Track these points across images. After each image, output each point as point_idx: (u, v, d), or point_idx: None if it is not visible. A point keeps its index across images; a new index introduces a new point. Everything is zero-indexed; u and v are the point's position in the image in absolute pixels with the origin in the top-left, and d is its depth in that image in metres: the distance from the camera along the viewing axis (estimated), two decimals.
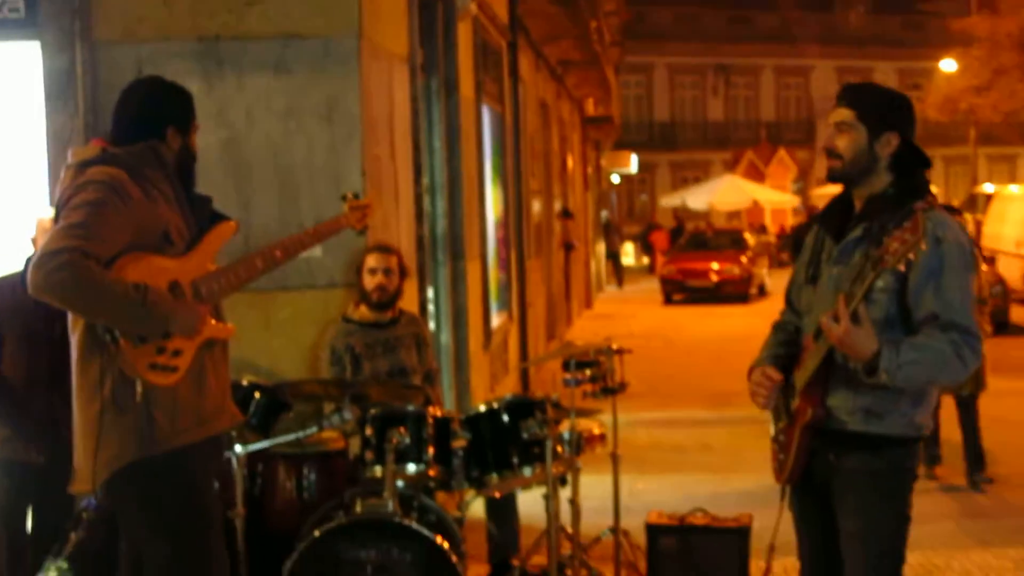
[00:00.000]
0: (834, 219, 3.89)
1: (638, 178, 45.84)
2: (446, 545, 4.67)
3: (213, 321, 3.78)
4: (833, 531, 3.85)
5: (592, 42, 16.58)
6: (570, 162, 20.42)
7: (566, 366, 5.52)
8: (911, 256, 3.38)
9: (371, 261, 5.78)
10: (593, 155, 27.55)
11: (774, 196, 38.56)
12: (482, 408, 5.08)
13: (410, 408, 5.01)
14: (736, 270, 24.16)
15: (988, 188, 29.70)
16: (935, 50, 45.50)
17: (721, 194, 37.10)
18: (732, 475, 8.73)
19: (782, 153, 41.52)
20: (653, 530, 5.56)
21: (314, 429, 4.88)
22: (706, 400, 12.03)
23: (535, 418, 4.98)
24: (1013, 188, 26.42)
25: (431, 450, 4.95)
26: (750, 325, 19.73)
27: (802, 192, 44.05)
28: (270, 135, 6.22)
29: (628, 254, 36.98)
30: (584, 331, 19.14)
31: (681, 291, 24.28)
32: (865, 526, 3.71)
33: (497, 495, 5.37)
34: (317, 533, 4.70)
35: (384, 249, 5.86)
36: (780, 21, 49.98)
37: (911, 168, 3.79)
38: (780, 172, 41.18)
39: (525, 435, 4.98)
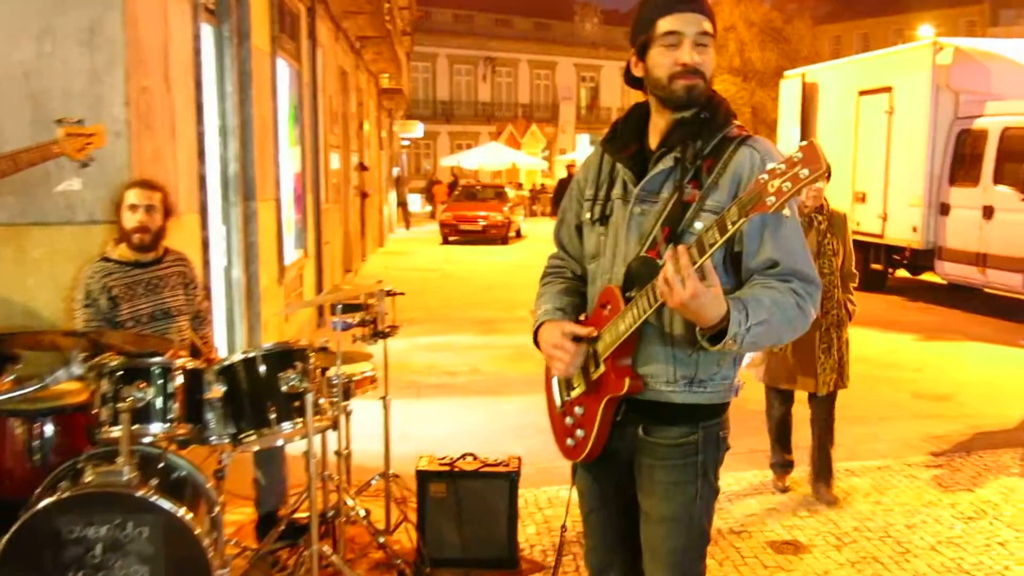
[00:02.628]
0: (627, 147, 2.44)
1: (423, 143, 45.93)
2: (189, 516, 3.09)
3: None
4: (629, 511, 2.50)
5: (385, 21, 14.82)
6: (367, 125, 18.67)
7: (334, 310, 3.94)
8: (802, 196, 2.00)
9: (132, 197, 4.03)
10: (387, 121, 25.82)
11: (528, 161, 37.76)
12: (238, 357, 3.45)
13: (154, 359, 3.35)
14: (499, 217, 22.98)
15: None
16: None
17: (488, 157, 36.22)
18: (498, 397, 7.38)
19: (534, 128, 41.04)
20: (423, 476, 4.08)
21: (35, 386, 3.17)
22: (475, 326, 10.64)
23: (295, 369, 3.42)
24: None
25: (179, 406, 3.33)
26: (510, 261, 18.88)
27: (548, 158, 43.68)
28: (23, 58, 4.37)
29: (414, 203, 35.52)
30: (377, 265, 17.53)
31: (456, 233, 22.92)
32: (680, 507, 2.38)
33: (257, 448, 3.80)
34: (37, 507, 3.05)
35: (146, 185, 4.12)
36: (534, 25, 50.85)
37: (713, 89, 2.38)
38: (532, 142, 40.67)
39: (284, 387, 3.41)
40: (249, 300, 7.29)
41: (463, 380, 7.99)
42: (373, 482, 4.45)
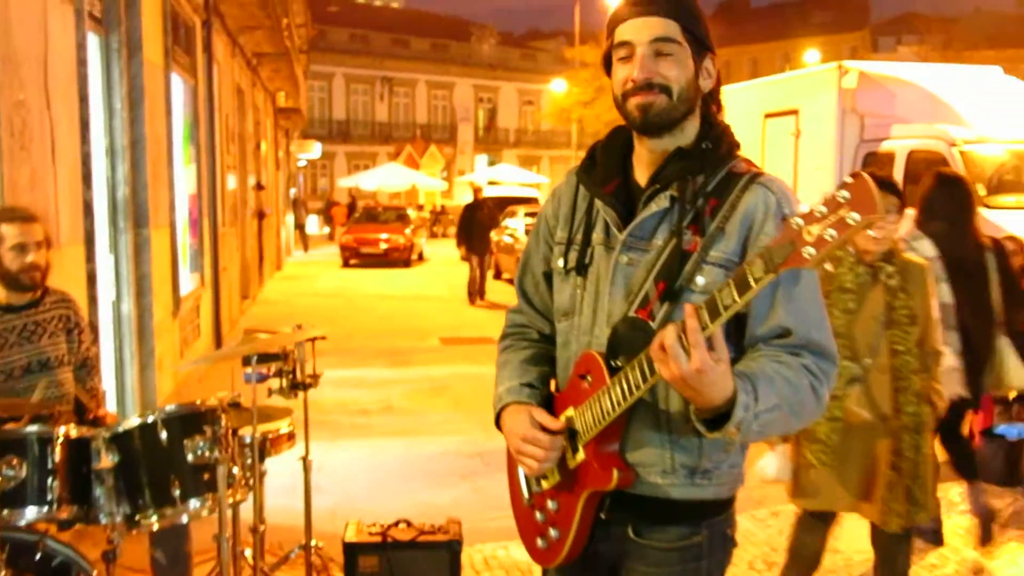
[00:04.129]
0: (608, 180, 1.97)
1: (320, 163, 44.75)
2: None
3: None
4: None
5: (284, 37, 14.16)
6: (264, 145, 17.90)
7: (246, 361, 3.37)
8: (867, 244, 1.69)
9: (13, 235, 3.40)
10: (284, 141, 24.98)
11: (428, 182, 37.16)
12: (134, 423, 2.87)
13: (29, 429, 2.76)
14: (402, 240, 22.35)
15: None
16: (544, 75, 47.05)
17: (387, 178, 35.42)
18: (416, 438, 6.87)
19: (433, 148, 40.55)
20: (351, 549, 3.53)
21: None
22: (384, 357, 10.08)
23: (203, 435, 2.87)
24: None
25: (60, 484, 2.75)
26: (415, 285, 18.32)
27: (447, 179, 43.33)
28: None
29: (311, 224, 34.58)
30: (276, 290, 16.75)
31: (357, 256, 22.22)
32: None
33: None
34: None
35: (25, 218, 3.50)
36: (431, 45, 50.46)
37: (719, 115, 1.96)
38: (431, 163, 40.18)
39: (191, 457, 2.85)
40: (141, 337, 6.60)
41: (377, 420, 7.43)
42: (292, 555, 3.89)
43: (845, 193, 1.48)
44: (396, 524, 3.68)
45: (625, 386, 1.77)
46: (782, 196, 1.85)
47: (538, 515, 2.03)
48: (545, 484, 2.00)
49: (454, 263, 23.21)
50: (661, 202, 1.88)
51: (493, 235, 16.08)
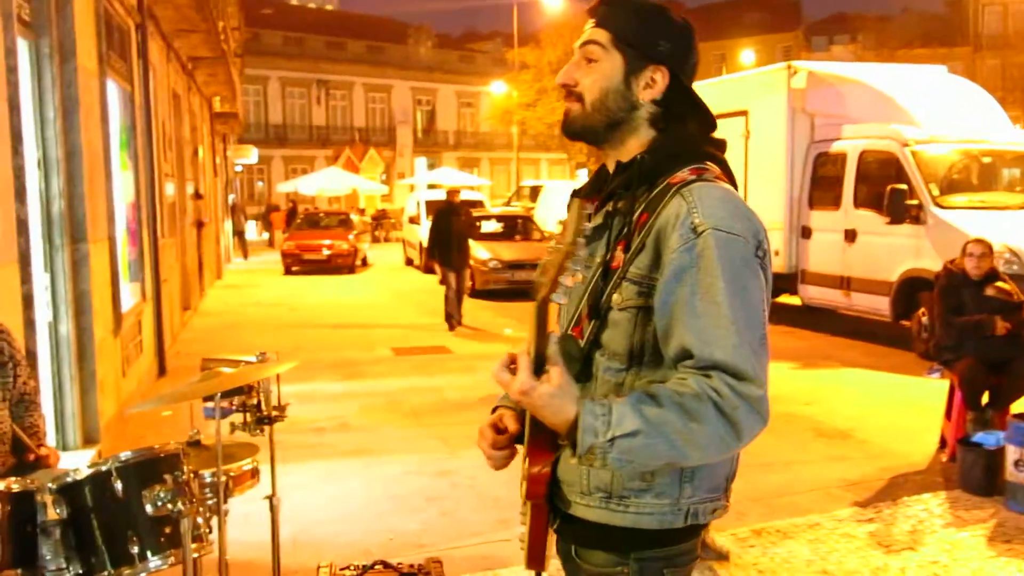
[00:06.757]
0: (591, 198, 1.90)
1: (257, 168, 44.12)
2: None
3: None
4: None
5: (220, 40, 13.72)
6: (201, 151, 17.37)
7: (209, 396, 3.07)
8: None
9: None
10: (221, 146, 24.35)
11: (367, 185, 36.64)
12: (85, 473, 2.56)
13: None
14: (345, 246, 21.88)
15: (528, 183, 29.82)
16: (483, 77, 46.96)
17: (327, 182, 34.97)
18: (376, 457, 6.58)
19: (373, 152, 40.15)
20: None
21: None
22: (334, 370, 9.73)
23: (164, 484, 2.57)
24: (555, 183, 26.85)
25: (0, 546, 2.44)
26: (359, 292, 17.92)
27: (387, 182, 42.87)
28: None
29: (251, 231, 33.89)
30: (217, 300, 16.26)
31: (299, 263, 21.73)
32: None
33: None
34: None
35: None
36: (367, 48, 50.04)
37: (682, 123, 1.82)
38: (371, 167, 39.81)
39: (150, 509, 2.55)
40: (81, 359, 6.22)
41: (332, 438, 7.10)
42: None
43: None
44: (372, 566, 3.40)
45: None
46: (696, 204, 1.68)
47: (521, 518, 1.96)
48: (521, 488, 1.92)
49: (399, 268, 22.86)
50: (597, 219, 1.82)
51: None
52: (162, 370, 9.71)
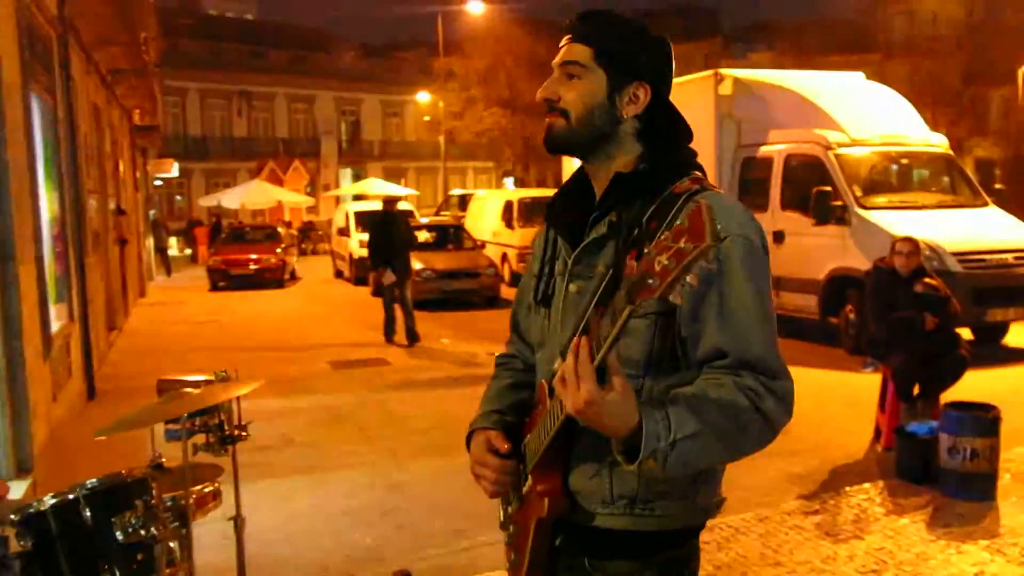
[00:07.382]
0: (569, 212, 1.92)
1: (176, 182, 42.97)
2: None
3: None
4: None
5: (141, 51, 13.43)
6: (122, 165, 16.98)
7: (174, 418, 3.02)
8: (691, 279, 1.43)
9: None
10: (141, 160, 23.81)
11: (292, 197, 36.19)
12: (49, 502, 2.50)
13: None
14: (273, 259, 21.57)
15: (457, 191, 29.78)
16: (408, 86, 46.77)
17: (251, 195, 34.39)
18: (325, 474, 6.52)
19: (296, 163, 39.75)
20: None
21: None
22: (273, 386, 9.53)
23: (134, 510, 2.51)
24: (482, 191, 26.86)
25: None
26: (291, 306, 17.67)
27: (312, 194, 42.40)
28: None
29: (172, 247, 33.19)
30: (142, 319, 15.89)
31: (226, 279, 21.34)
32: None
33: None
34: None
35: None
36: (290, 58, 49.58)
37: (667, 137, 1.88)
38: (296, 178, 39.40)
39: (121, 537, 2.50)
40: (12, 384, 6.03)
41: (279, 456, 7.00)
42: None
43: (685, 221, 1.43)
44: None
45: (550, 417, 1.74)
46: (715, 214, 1.71)
47: (507, 537, 2.00)
48: (510, 509, 1.97)
49: (329, 281, 22.62)
50: (600, 229, 1.83)
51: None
52: (91, 393, 9.46)
